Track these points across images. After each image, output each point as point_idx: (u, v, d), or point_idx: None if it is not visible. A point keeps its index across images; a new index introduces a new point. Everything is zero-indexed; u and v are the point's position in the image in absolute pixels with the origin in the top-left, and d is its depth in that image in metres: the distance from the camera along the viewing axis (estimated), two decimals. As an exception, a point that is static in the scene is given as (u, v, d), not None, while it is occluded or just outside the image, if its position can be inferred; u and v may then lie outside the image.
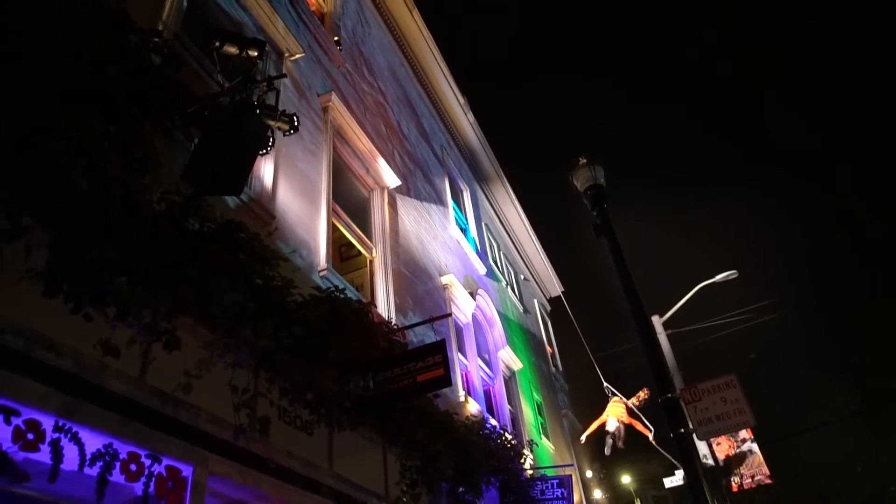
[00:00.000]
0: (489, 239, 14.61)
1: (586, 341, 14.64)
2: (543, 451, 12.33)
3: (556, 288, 20.79)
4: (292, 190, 5.76)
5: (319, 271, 5.67)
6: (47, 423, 2.64)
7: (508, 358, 12.01)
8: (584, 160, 6.76)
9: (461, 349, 9.65)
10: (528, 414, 12.20)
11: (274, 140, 4.83)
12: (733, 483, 13.35)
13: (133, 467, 2.96)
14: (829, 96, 74.57)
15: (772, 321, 16.28)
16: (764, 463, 13.69)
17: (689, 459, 5.09)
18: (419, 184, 10.16)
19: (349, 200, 7.40)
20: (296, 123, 4.74)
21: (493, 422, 8.97)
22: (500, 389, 10.98)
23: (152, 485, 3.03)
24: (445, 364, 4.73)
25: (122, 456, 2.92)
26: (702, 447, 12.12)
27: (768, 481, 13.69)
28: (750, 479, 13.54)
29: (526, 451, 8.87)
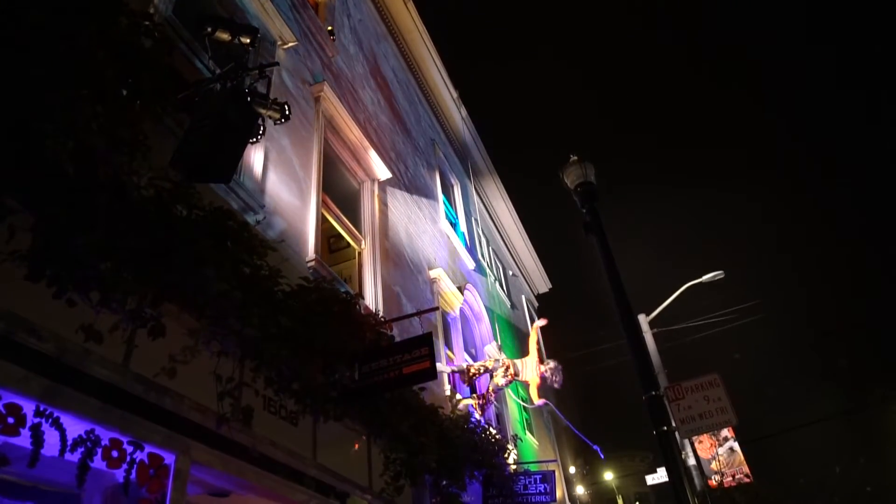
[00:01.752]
0: (478, 234, 14.60)
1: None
2: (527, 446, 12.38)
3: (543, 284, 20.86)
4: (282, 179, 5.72)
5: (308, 262, 5.65)
6: (28, 407, 2.61)
7: (495, 353, 12.02)
8: (575, 157, 6.76)
9: (448, 343, 9.66)
10: (512, 409, 12.24)
11: (264, 128, 4.79)
12: (712, 480, 13.50)
13: (115, 454, 2.95)
14: (824, 98, 75.26)
15: (756, 322, 16.45)
16: (744, 462, 13.86)
17: (671, 457, 5.12)
18: (410, 177, 10.13)
19: (339, 192, 7.36)
20: (287, 112, 4.70)
21: (478, 416, 9.00)
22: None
23: (134, 472, 3.01)
24: (431, 357, 4.74)
25: (104, 442, 2.90)
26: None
27: (748, 480, 13.86)
28: (731, 478, 13.71)
29: (510, 446, 8.90)
